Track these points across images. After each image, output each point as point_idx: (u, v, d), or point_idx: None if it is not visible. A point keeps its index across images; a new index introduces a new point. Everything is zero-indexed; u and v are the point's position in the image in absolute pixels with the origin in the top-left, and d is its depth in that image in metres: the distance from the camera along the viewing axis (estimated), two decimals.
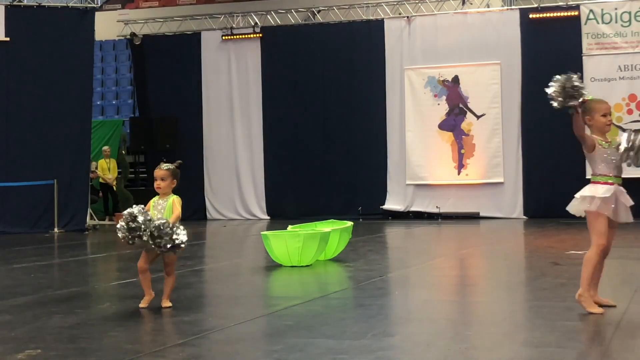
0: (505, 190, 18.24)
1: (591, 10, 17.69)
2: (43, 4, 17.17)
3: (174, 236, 6.28)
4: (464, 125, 18.54)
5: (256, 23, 20.19)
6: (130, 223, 6.20)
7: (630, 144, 6.05)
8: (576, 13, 17.77)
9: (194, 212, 20.19)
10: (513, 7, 18.42)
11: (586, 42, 17.68)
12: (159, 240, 6.24)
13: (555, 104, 6.32)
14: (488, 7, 18.76)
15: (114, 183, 18.75)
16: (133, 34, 20.71)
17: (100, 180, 18.79)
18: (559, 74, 6.24)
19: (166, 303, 6.69)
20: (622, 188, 6.16)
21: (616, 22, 17.53)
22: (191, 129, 20.11)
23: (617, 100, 17.41)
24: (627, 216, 6.15)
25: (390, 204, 18.92)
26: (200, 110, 20.27)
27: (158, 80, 20.54)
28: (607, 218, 6.07)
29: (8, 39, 16.61)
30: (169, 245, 6.29)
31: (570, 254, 10.51)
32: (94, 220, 17.92)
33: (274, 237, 9.48)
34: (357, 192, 19.09)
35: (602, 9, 17.65)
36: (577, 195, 6.22)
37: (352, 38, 19.46)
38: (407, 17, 19.06)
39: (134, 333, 5.75)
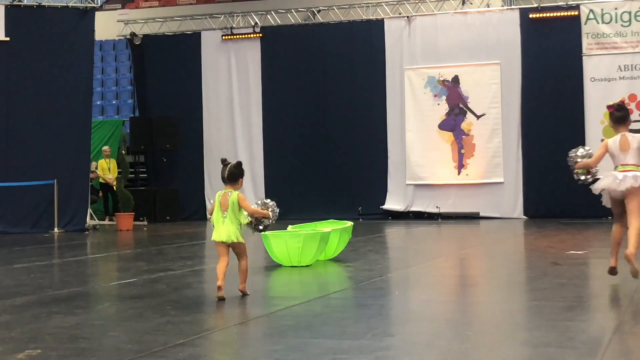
0: (505, 190, 18.24)
1: (591, 10, 17.68)
2: (43, 4, 17.16)
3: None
4: (464, 125, 18.54)
5: (256, 23, 20.19)
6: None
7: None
8: (576, 13, 17.77)
9: (194, 212, 20.19)
10: (513, 7, 18.42)
11: (586, 42, 17.68)
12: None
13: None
14: (488, 7, 18.76)
15: (114, 183, 18.75)
16: (133, 34, 20.71)
17: (101, 180, 18.78)
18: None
19: (243, 287, 7.21)
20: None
21: (616, 22, 17.52)
22: (191, 129, 20.11)
23: (617, 100, 17.37)
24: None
25: (390, 204, 18.91)
26: (200, 110, 20.27)
27: (158, 80, 20.54)
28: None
29: (8, 39, 16.61)
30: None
31: (570, 254, 10.52)
32: (94, 220, 17.92)
33: (274, 237, 9.47)
34: (357, 192, 19.08)
35: (602, 9, 17.65)
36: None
37: (352, 38, 19.45)
38: (407, 17, 19.06)
39: (134, 333, 5.75)
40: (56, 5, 17.37)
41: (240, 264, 7.21)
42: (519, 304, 7.05)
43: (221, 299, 6.92)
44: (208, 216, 7.62)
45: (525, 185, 18.11)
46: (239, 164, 7.30)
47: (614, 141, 7.40)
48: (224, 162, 7.26)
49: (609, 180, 7.31)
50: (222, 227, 7.10)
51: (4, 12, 16.69)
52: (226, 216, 7.08)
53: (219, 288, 6.94)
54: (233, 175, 7.18)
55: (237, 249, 7.17)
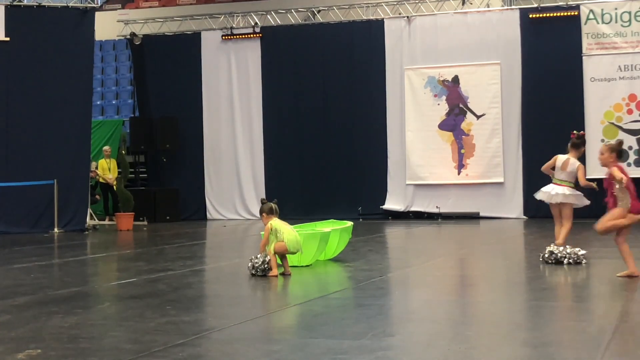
0: (505, 190, 18.25)
1: (591, 10, 17.69)
2: (43, 4, 17.16)
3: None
4: (464, 125, 18.55)
5: (256, 23, 20.19)
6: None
7: None
8: (576, 13, 17.78)
9: (194, 212, 20.20)
10: (513, 7, 18.43)
11: (586, 42, 17.69)
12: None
13: None
14: (488, 7, 18.76)
15: (114, 183, 18.75)
16: (133, 34, 20.71)
17: (100, 180, 18.77)
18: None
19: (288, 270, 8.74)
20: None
21: (616, 22, 17.53)
22: (191, 129, 20.12)
23: (617, 100, 17.43)
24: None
25: (390, 204, 18.92)
26: (200, 110, 20.27)
27: (158, 80, 20.54)
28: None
29: (8, 39, 16.61)
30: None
31: None
32: (94, 220, 17.92)
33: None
34: (357, 192, 19.08)
35: (602, 9, 17.66)
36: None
37: (352, 38, 19.46)
38: (407, 17, 19.06)
39: (134, 333, 5.75)
40: (56, 5, 17.37)
41: (285, 261, 8.92)
42: (519, 304, 7.05)
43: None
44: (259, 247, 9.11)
45: (525, 185, 18.10)
46: (276, 201, 9.19)
47: (560, 159, 9.70)
48: (263, 201, 9.24)
49: (545, 195, 9.65)
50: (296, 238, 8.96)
51: (4, 12, 16.68)
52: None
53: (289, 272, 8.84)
54: (277, 209, 9.07)
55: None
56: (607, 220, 8.20)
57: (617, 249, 8.26)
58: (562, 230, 9.53)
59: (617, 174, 8.07)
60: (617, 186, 8.14)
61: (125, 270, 10.19)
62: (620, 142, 8.65)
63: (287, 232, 8.85)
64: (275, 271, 8.68)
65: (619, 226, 8.15)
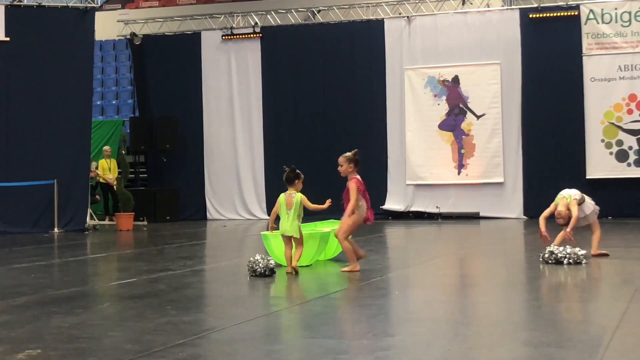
0: (505, 190, 18.24)
1: (591, 10, 17.69)
2: (43, 4, 17.16)
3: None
4: (464, 125, 18.54)
5: (256, 23, 20.19)
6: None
7: None
8: (576, 13, 17.78)
9: (194, 212, 20.19)
10: (513, 7, 18.42)
11: (586, 42, 17.69)
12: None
13: None
14: (488, 7, 18.76)
15: (115, 183, 18.74)
16: (133, 34, 20.71)
17: (100, 180, 18.76)
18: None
19: (296, 265, 8.68)
20: None
21: (616, 22, 17.53)
22: (191, 129, 20.11)
23: (617, 100, 17.43)
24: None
25: (390, 204, 18.91)
26: (200, 110, 20.27)
27: (158, 80, 20.54)
28: None
29: (8, 39, 16.61)
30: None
31: None
32: (94, 220, 17.92)
33: (274, 237, 9.47)
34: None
35: (602, 9, 17.66)
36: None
37: (352, 38, 19.46)
38: (407, 17, 19.06)
39: (134, 333, 5.75)
40: (56, 5, 17.37)
41: (296, 252, 8.84)
42: (519, 304, 7.05)
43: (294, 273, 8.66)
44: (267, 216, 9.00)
45: (525, 185, 18.11)
46: (293, 169, 9.22)
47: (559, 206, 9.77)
48: (284, 169, 9.19)
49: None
50: (287, 223, 8.89)
51: (4, 12, 16.68)
52: (290, 214, 8.96)
53: (291, 271, 8.68)
54: (288, 178, 9.13)
55: (295, 240, 8.89)
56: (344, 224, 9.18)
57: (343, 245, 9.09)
58: (593, 237, 9.93)
59: (354, 190, 9.12)
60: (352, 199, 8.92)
61: (125, 270, 10.19)
62: (356, 152, 9.12)
63: (281, 215, 8.93)
64: (288, 268, 8.77)
65: (350, 230, 9.13)
